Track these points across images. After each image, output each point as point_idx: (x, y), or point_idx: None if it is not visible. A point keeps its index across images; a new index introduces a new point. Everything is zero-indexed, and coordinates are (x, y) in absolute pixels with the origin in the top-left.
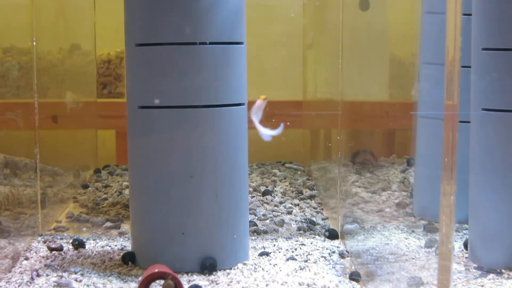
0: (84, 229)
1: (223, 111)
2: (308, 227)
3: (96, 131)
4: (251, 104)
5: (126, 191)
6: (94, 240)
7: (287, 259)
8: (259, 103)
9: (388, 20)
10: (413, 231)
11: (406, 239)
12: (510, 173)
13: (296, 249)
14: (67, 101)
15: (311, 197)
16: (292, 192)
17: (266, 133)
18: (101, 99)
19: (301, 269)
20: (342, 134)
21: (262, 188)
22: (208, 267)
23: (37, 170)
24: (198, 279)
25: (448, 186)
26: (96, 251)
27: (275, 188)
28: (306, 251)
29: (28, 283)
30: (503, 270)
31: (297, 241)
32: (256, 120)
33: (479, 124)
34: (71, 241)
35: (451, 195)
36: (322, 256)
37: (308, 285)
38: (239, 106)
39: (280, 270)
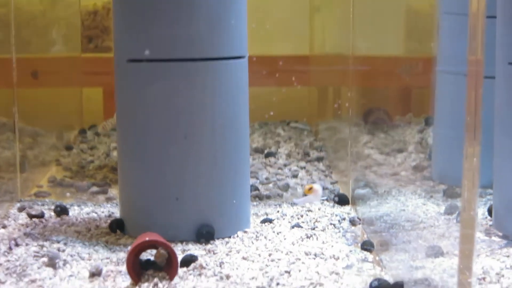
0: (67, 194)
1: (221, 64)
2: None
3: (81, 88)
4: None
5: (114, 153)
6: (78, 206)
7: (292, 227)
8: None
9: None
10: (431, 196)
11: (424, 205)
12: None
13: (302, 216)
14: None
15: (319, 159)
16: (298, 154)
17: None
18: (86, 54)
19: (307, 237)
20: (353, 91)
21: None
22: (205, 235)
23: (16, 131)
24: (193, 249)
25: (471, 148)
26: (81, 218)
27: (279, 150)
28: (313, 218)
29: (6, 253)
30: None
31: (303, 206)
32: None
33: (505, 80)
34: (53, 207)
35: (474, 157)
36: (331, 224)
37: (315, 254)
38: (239, 59)
39: (285, 239)
